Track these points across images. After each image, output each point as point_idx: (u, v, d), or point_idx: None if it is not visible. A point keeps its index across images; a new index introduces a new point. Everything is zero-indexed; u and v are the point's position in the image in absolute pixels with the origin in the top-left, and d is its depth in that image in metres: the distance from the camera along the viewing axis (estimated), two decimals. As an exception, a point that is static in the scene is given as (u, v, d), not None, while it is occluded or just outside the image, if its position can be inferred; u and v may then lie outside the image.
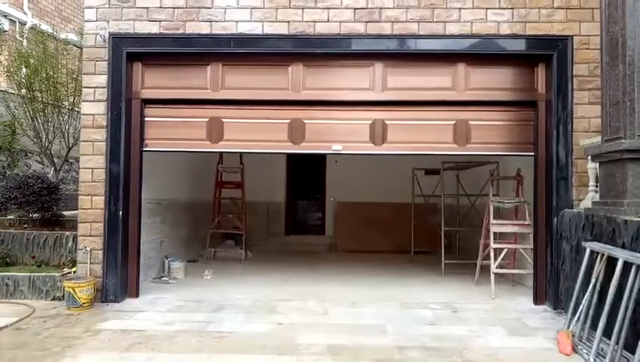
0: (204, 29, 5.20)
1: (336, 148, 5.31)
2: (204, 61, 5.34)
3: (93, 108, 5.24)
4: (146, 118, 5.41)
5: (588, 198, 4.74)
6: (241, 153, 7.85)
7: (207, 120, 5.37)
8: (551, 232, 5.07)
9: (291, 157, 9.98)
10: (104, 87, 5.21)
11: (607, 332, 3.56)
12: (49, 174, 7.18)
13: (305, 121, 5.35)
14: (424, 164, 7.82)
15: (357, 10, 5.14)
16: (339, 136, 5.32)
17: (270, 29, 5.16)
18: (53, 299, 5.20)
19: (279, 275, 6.64)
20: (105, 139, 5.20)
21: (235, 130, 5.36)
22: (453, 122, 5.29)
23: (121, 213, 5.19)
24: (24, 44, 8.81)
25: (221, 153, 7.97)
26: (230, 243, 8.62)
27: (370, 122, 5.34)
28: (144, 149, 5.35)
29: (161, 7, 5.22)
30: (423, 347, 3.93)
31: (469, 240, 7.39)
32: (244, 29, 5.18)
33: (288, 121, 5.35)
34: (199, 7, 5.20)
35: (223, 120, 5.36)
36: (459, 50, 5.12)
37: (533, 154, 5.24)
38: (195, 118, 5.39)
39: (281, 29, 5.16)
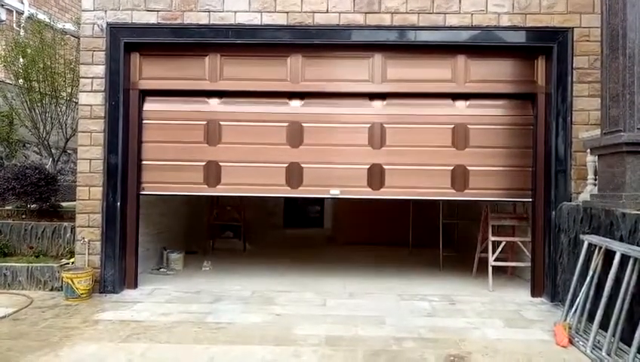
0: (202, 19, 5.15)
1: (334, 192, 5.32)
2: (202, 52, 5.30)
3: (91, 98, 5.20)
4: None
5: (586, 191, 4.74)
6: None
7: (204, 163, 5.36)
8: (549, 225, 5.07)
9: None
10: (102, 78, 5.17)
11: (604, 325, 3.57)
12: (47, 165, 7.16)
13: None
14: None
15: (356, 1, 5.09)
16: (337, 175, 5.32)
17: (269, 19, 5.12)
18: (52, 289, 5.20)
19: (277, 267, 6.64)
20: (102, 130, 5.17)
21: (233, 174, 5.36)
22: (451, 167, 5.31)
23: (119, 204, 5.18)
24: (21, 33, 8.72)
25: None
26: (229, 235, 8.62)
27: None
28: (141, 193, 5.35)
29: (159, -4, 5.16)
30: (420, 338, 3.94)
31: (468, 233, 7.39)
32: (243, 19, 5.13)
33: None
34: (197, -3, 5.15)
35: (221, 164, 5.35)
36: (459, 41, 5.08)
37: (531, 200, 5.23)
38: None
39: (280, 20, 5.11)
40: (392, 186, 5.31)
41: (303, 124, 5.36)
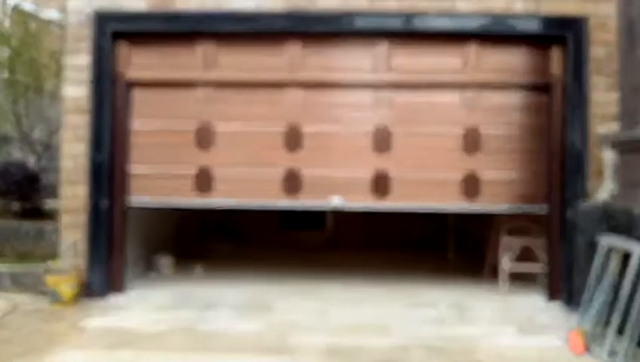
0: (194, 5, 4.89)
1: (336, 202, 5.07)
2: (194, 40, 5.03)
3: (76, 90, 4.94)
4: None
5: (604, 189, 4.55)
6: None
7: (195, 171, 5.08)
8: (565, 226, 4.82)
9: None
10: (88, 69, 4.92)
11: (622, 330, 3.44)
12: (30, 162, 6.90)
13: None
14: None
15: (360, -15, 4.85)
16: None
17: (266, 4, 4.87)
18: (37, 293, 4.95)
19: (275, 271, 6.40)
20: (88, 124, 4.92)
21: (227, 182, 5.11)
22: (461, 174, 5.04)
23: (105, 203, 4.92)
24: (6, 24, 8.43)
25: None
26: (222, 237, 8.39)
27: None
28: (129, 207, 5.09)
29: (148, -19, 4.91)
30: (428, 347, 3.75)
31: (479, 234, 7.15)
32: (238, 4, 4.87)
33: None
34: (189, -19, 4.90)
35: (213, 170, 5.10)
36: (469, 29, 4.83)
37: (547, 208, 4.97)
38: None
39: (278, 5, 4.86)
40: (398, 195, 5.05)
41: (304, 128, 5.08)
